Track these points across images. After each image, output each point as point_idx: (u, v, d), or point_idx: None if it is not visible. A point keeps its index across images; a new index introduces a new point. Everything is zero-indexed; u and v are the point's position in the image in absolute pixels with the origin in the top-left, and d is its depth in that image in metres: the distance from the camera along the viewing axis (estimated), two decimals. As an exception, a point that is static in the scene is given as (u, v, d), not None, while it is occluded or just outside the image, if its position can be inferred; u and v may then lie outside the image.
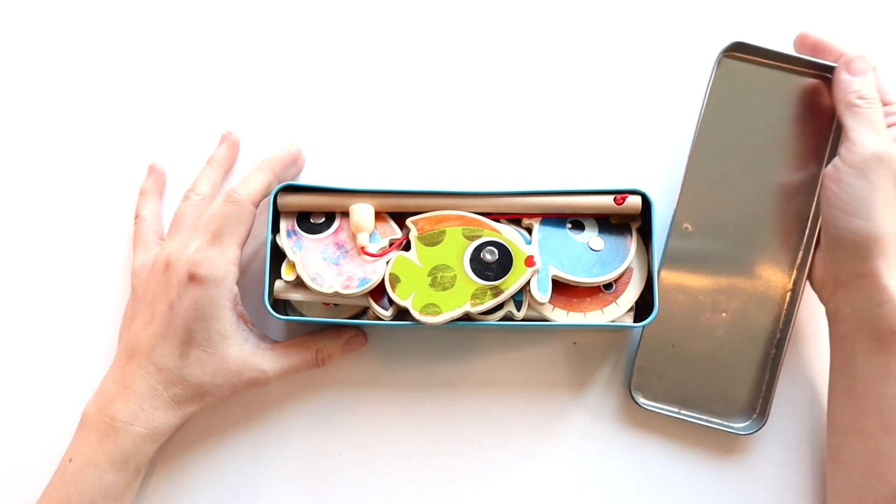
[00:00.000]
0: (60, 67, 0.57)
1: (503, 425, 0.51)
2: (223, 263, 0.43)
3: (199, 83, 0.57)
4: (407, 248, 0.47)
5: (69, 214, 0.55)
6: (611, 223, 0.49)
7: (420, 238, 0.46)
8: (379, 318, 0.47)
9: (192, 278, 0.42)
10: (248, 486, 0.50)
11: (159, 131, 0.56)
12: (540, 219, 0.49)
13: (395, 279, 0.46)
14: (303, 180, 0.55)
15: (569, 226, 0.49)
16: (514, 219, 0.49)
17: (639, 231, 0.49)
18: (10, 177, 0.55)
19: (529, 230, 0.48)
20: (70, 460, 0.43)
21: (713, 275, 0.51)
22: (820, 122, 0.51)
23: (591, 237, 0.48)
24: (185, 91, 0.57)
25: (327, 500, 0.50)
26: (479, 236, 0.46)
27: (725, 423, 0.50)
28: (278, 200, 0.48)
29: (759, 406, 0.51)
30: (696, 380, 0.51)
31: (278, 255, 0.48)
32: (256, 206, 0.46)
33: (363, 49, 0.58)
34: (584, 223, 0.49)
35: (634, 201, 0.48)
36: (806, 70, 0.50)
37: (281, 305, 0.50)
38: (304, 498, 0.50)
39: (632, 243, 0.48)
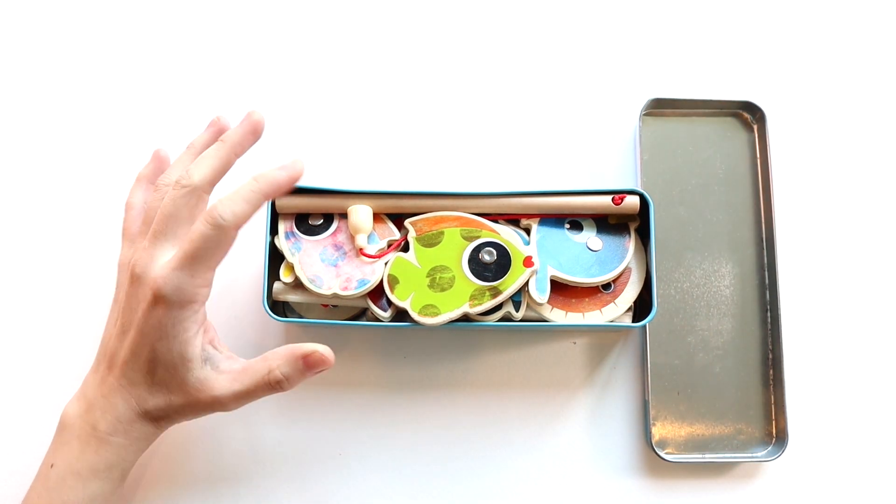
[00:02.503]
0: (62, 67, 0.57)
1: (503, 425, 0.52)
2: (192, 287, 0.39)
3: (199, 84, 0.57)
4: (405, 249, 0.47)
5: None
6: (609, 223, 0.49)
7: (418, 239, 0.46)
8: (378, 319, 0.47)
9: (157, 300, 0.39)
10: (249, 486, 0.50)
11: (158, 131, 0.56)
12: (538, 219, 0.49)
13: (393, 280, 0.46)
14: (301, 182, 0.54)
15: (567, 226, 0.49)
16: (513, 219, 0.49)
17: (637, 231, 0.49)
18: (5, 170, 0.55)
19: (528, 230, 0.48)
20: (52, 466, 0.41)
21: (693, 318, 0.53)
22: (743, 153, 0.55)
23: (589, 237, 0.48)
24: (185, 91, 0.57)
25: (327, 500, 0.51)
26: (478, 237, 0.46)
27: (749, 454, 0.51)
28: (277, 202, 0.48)
29: (775, 428, 0.51)
30: (708, 419, 0.51)
31: (277, 257, 0.48)
32: (238, 230, 0.40)
33: (361, 50, 0.58)
34: (583, 223, 0.49)
35: (633, 201, 0.48)
36: (719, 110, 0.55)
37: (280, 307, 0.50)
38: (304, 498, 0.50)
39: (630, 243, 0.48)
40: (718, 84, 0.58)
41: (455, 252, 0.46)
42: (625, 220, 0.49)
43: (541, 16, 0.59)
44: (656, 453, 0.50)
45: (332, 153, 0.56)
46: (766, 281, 0.53)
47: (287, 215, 0.49)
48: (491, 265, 0.45)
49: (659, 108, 0.55)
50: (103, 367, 0.43)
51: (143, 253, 0.40)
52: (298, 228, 0.49)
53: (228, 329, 0.52)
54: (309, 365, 0.41)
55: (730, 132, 0.55)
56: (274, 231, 0.49)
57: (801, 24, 0.59)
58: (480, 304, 0.44)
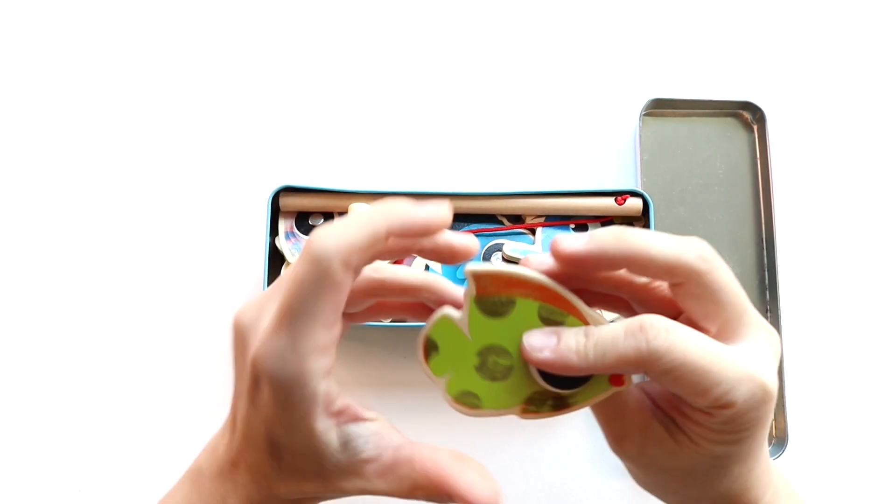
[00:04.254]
0: (61, 68, 0.57)
1: (503, 425, 0.51)
2: (296, 357, 0.29)
3: (199, 84, 0.57)
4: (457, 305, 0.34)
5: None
6: (613, 224, 0.49)
7: (479, 301, 0.32)
8: (378, 319, 0.47)
9: (256, 382, 0.30)
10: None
11: (158, 132, 0.56)
12: (543, 219, 0.48)
13: (431, 346, 0.33)
14: (301, 181, 0.54)
15: (572, 226, 0.49)
16: (517, 217, 0.49)
17: (641, 232, 0.49)
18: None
19: (533, 232, 0.48)
20: None
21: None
22: (743, 153, 0.55)
23: (592, 238, 0.48)
24: (185, 91, 0.56)
25: (327, 499, 0.50)
26: (562, 323, 0.32)
27: None
28: (281, 201, 0.48)
29: (775, 428, 0.51)
30: None
31: (277, 257, 0.48)
32: (352, 272, 0.28)
33: (363, 51, 0.57)
34: (587, 224, 0.49)
35: (635, 203, 0.48)
36: (719, 111, 0.55)
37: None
38: None
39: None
40: (718, 84, 0.58)
41: (524, 333, 0.33)
42: (629, 222, 0.49)
43: (541, 17, 0.59)
44: None
45: (333, 153, 0.55)
46: (766, 281, 0.53)
47: (287, 215, 0.49)
48: None
49: (659, 108, 0.55)
50: (223, 453, 0.34)
51: (253, 316, 0.31)
52: (298, 228, 0.48)
53: (227, 330, 0.51)
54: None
55: (730, 132, 0.55)
56: (274, 231, 0.48)
57: (801, 25, 0.60)
58: (537, 413, 0.33)
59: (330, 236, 0.27)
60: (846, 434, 0.52)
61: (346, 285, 0.28)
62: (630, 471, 0.33)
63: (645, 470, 0.33)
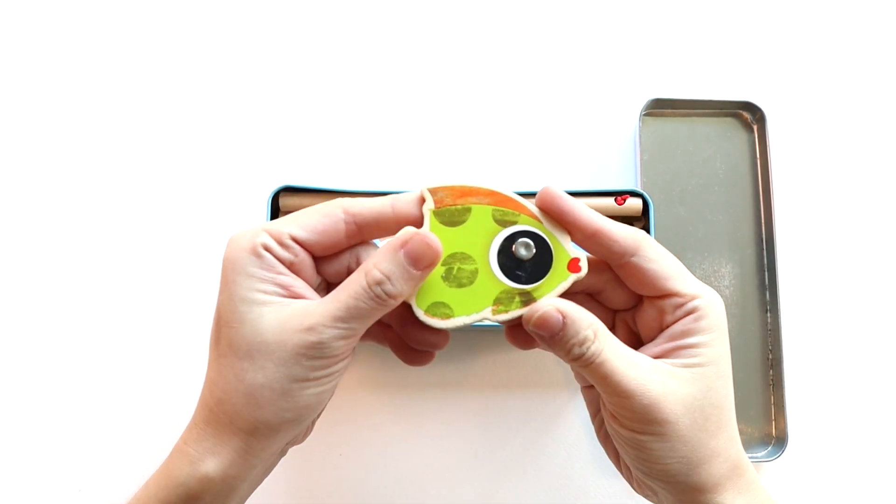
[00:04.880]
0: (61, 67, 0.57)
1: (503, 426, 0.51)
2: (257, 231, 0.31)
3: (199, 84, 0.57)
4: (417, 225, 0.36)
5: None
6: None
7: (437, 213, 0.35)
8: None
9: (227, 245, 0.31)
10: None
11: (157, 133, 0.56)
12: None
13: None
14: (301, 181, 0.54)
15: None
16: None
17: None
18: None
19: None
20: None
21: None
22: (743, 153, 0.55)
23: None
24: (184, 92, 0.56)
25: (327, 500, 0.50)
26: (514, 222, 0.35)
27: (749, 454, 0.51)
28: (281, 201, 0.48)
29: (774, 429, 0.51)
30: None
31: (277, 257, 0.48)
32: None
33: (362, 50, 0.57)
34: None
35: (635, 203, 0.48)
36: (719, 111, 0.56)
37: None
38: (304, 498, 0.50)
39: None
40: (718, 84, 0.58)
41: (483, 238, 0.35)
42: (629, 222, 0.49)
43: (541, 17, 0.59)
44: None
45: (333, 153, 0.55)
46: (766, 281, 0.53)
47: (287, 214, 0.49)
48: (527, 262, 0.35)
49: (659, 108, 0.55)
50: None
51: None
52: (298, 228, 0.48)
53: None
54: (411, 255, 0.31)
55: (730, 132, 0.55)
56: (274, 231, 0.48)
57: (801, 25, 0.60)
58: (507, 311, 0.34)
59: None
60: (846, 434, 0.52)
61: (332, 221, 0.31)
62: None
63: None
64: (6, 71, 0.57)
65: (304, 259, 0.32)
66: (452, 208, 0.35)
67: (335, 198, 0.47)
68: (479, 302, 0.35)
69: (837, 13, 0.60)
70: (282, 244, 0.30)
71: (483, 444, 0.51)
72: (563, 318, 0.30)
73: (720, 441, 0.31)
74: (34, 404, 0.51)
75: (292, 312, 0.30)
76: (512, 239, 0.35)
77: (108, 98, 0.56)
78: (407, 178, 0.55)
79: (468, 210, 0.36)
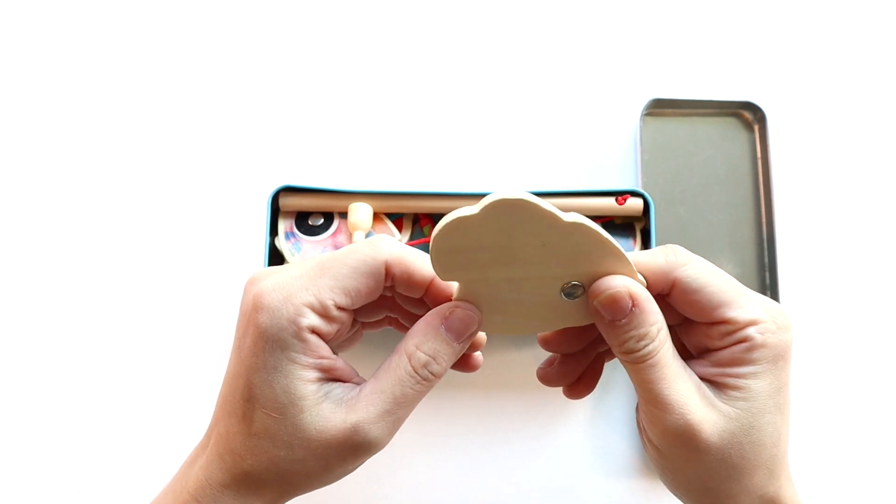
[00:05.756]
0: (61, 68, 0.57)
1: (503, 426, 0.51)
2: (293, 301, 0.28)
3: (199, 85, 0.57)
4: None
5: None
6: (614, 224, 0.49)
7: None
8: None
9: (247, 323, 0.29)
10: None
11: (157, 134, 0.56)
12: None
13: None
14: (301, 181, 0.54)
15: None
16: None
17: (642, 231, 0.49)
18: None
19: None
20: None
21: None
22: (744, 153, 0.55)
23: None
24: (185, 92, 0.56)
25: (327, 500, 0.50)
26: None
27: None
28: (281, 201, 0.48)
29: None
30: None
31: (277, 258, 0.48)
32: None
33: (363, 52, 0.57)
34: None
35: (636, 203, 0.48)
36: (720, 111, 0.55)
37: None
38: (303, 499, 0.50)
39: (636, 244, 0.48)
40: (719, 84, 0.58)
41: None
42: (630, 221, 0.49)
43: (542, 17, 0.59)
44: None
45: (333, 153, 0.55)
46: (767, 281, 0.53)
47: (287, 215, 0.49)
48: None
49: (660, 108, 0.55)
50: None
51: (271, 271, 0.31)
52: (298, 229, 0.48)
53: (229, 331, 0.51)
54: (455, 331, 0.29)
55: (730, 132, 0.55)
56: (274, 231, 0.48)
57: (801, 25, 0.59)
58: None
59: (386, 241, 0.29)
60: (847, 435, 0.52)
61: (377, 274, 0.29)
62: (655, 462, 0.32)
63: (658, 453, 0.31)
64: (6, 72, 0.57)
65: (347, 322, 0.30)
66: None
67: (335, 198, 0.48)
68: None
69: (837, 13, 0.60)
70: (327, 317, 0.28)
71: (483, 444, 0.51)
72: (634, 304, 0.28)
73: (754, 479, 0.29)
74: (34, 405, 0.51)
75: (334, 405, 0.28)
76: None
77: (108, 99, 0.56)
78: (406, 178, 0.55)
79: None
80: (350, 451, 0.29)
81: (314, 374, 0.28)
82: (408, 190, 0.48)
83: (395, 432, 0.30)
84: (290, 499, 0.30)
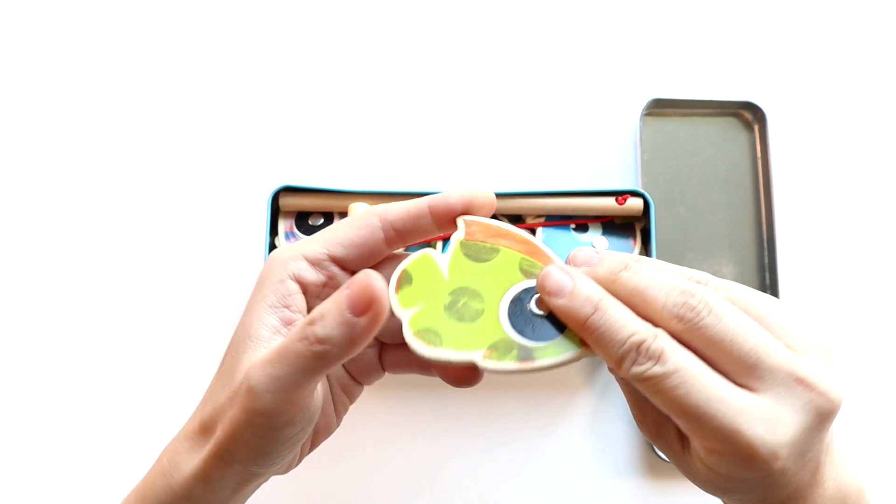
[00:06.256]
0: (61, 68, 0.57)
1: (503, 426, 0.51)
2: (302, 245, 0.30)
3: (199, 85, 0.57)
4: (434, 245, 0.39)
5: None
6: (615, 224, 0.49)
7: (464, 244, 0.33)
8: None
9: (268, 260, 0.31)
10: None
11: (156, 134, 0.56)
12: (543, 219, 0.48)
13: (405, 278, 0.33)
14: (301, 181, 0.54)
15: (572, 226, 0.49)
16: (517, 217, 0.49)
17: (642, 231, 0.49)
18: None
19: (533, 232, 0.48)
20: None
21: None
22: (744, 153, 0.55)
23: (594, 237, 0.48)
24: (184, 92, 0.56)
25: (327, 500, 0.50)
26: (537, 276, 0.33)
27: None
28: (281, 201, 0.48)
29: None
30: None
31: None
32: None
33: (363, 52, 0.57)
34: (588, 224, 0.49)
35: (636, 203, 0.48)
36: (720, 111, 0.56)
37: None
38: (303, 498, 0.50)
39: (636, 243, 0.48)
40: (719, 84, 0.58)
41: (501, 282, 0.33)
42: (630, 221, 0.49)
43: (542, 17, 0.59)
44: (656, 454, 0.50)
45: (333, 153, 0.55)
46: (767, 281, 0.53)
47: (287, 215, 0.49)
48: (538, 320, 0.32)
49: (660, 108, 0.55)
50: None
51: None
52: (298, 228, 0.48)
53: (229, 331, 0.51)
54: (350, 298, 0.25)
55: (730, 132, 0.55)
56: (274, 231, 0.48)
57: (801, 25, 0.60)
58: (499, 360, 0.31)
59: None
60: (846, 435, 0.52)
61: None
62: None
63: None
64: (6, 73, 0.57)
65: (340, 277, 0.30)
66: (481, 244, 0.33)
67: (335, 198, 0.48)
68: (473, 342, 0.32)
69: (837, 14, 0.60)
70: (317, 265, 0.29)
71: (483, 444, 0.51)
72: (575, 285, 0.27)
73: None
74: (34, 405, 0.51)
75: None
76: (529, 292, 0.33)
77: (109, 99, 0.56)
78: (406, 178, 0.55)
79: (496, 251, 0.34)
80: (241, 399, 0.26)
81: (274, 320, 0.29)
82: (408, 190, 0.48)
83: (281, 396, 0.26)
84: (235, 460, 0.28)
